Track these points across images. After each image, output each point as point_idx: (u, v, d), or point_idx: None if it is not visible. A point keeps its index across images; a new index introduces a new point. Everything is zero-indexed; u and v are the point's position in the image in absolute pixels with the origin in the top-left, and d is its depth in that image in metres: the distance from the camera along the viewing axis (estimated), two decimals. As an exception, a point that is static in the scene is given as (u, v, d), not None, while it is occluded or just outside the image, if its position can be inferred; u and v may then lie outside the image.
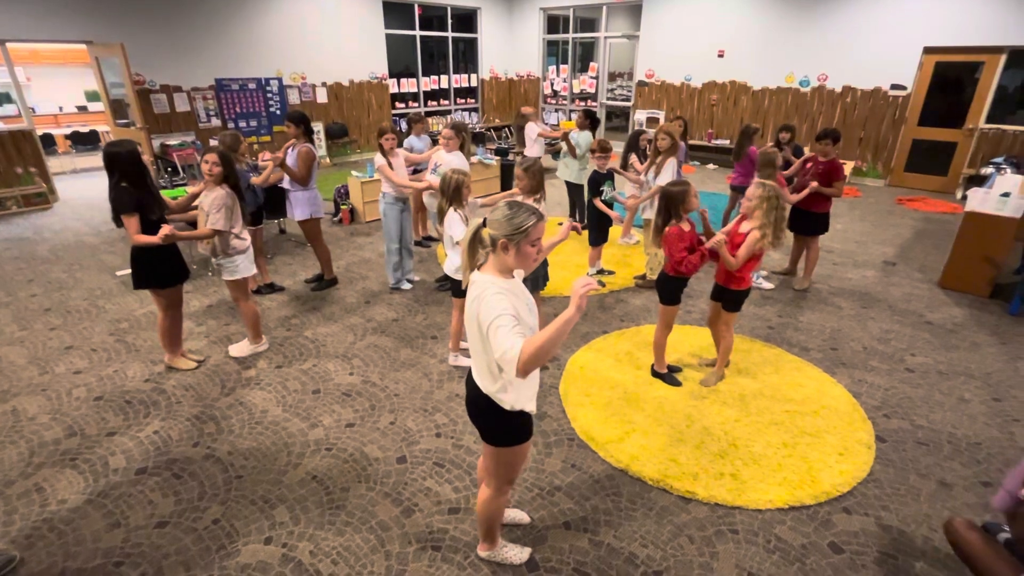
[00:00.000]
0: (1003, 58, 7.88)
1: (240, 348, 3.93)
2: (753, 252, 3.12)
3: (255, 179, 4.60)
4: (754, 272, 5.15)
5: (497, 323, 1.60)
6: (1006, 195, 4.79)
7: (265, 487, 2.74)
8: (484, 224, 1.76)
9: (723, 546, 2.41)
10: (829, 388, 3.57)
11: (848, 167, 9.08)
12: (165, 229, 3.13)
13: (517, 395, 1.84)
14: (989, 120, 8.23)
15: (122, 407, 3.36)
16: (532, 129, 6.80)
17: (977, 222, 4.85)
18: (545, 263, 3.73)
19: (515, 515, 2.53)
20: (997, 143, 8.14)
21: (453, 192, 3.40)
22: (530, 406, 1.88)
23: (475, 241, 1.78)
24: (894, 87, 8.72)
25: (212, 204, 3.38)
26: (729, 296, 3.36)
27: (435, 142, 5.90)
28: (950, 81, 8.46)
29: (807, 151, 5.68)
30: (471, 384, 1.94)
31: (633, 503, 2.65)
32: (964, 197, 7.87)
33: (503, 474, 2.03)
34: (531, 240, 1.71)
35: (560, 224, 3.04)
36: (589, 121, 6.20)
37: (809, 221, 4.90)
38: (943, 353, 4.03)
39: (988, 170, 7.40)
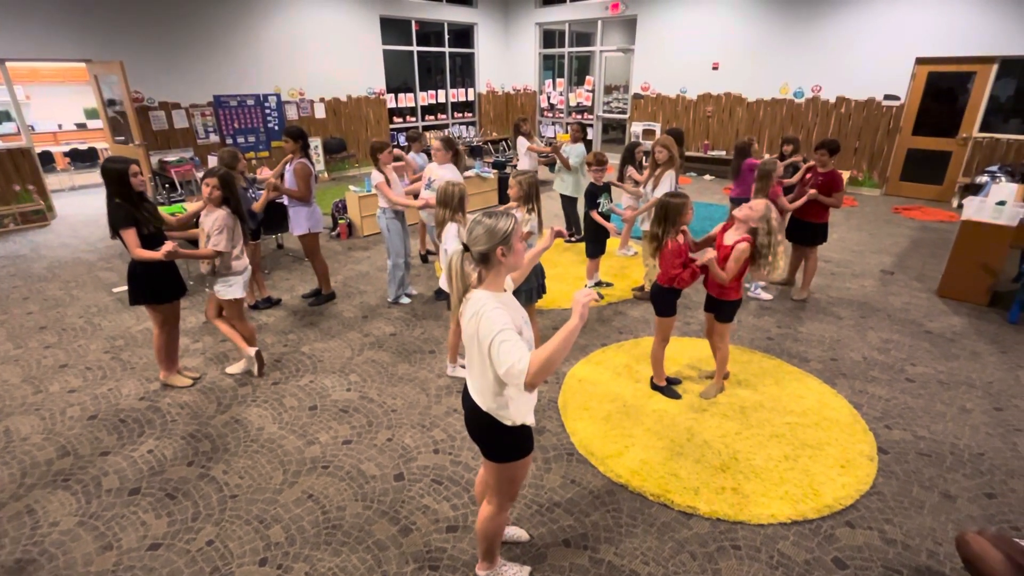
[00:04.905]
0: (994, 68, 7.95)
1: (236, 366, 3.91)
2: (741, 263, 3.11)
3: (255, 205, 4.55)
4: (752, 283, 5.15)
5: (500, 338, 1.61)
6: (1002, 203, 4.81)
7: (260, 507, 2.70)
8: (466, 249, 1.78)
9: (726, 563, 2.38)
10: (830, 399, 3.54)
11: (844, 177, 9.11)
12: (168, 246, 3.11)
13: (517, 409, 1.82)
14: (983, 129, 8.29)
15: (116, 426, 3.32)
16: (522, 143, 6.94)
17: (974, 230, 4.86)
18: (541, 274, 3.70)
19: (514, 533, 2.49)
20: (991, 152, 8.19)
21: (457, 203, 3.41)
22: (530, 419, 1.87)
23: (463, 268, 1.78)
24: (887, 97, 8.78)
25: (213, 225, 3.38)
26: (722, 307, 3.35)
27: (430, 157, 5.92)
28: (943, 91, 8.53)
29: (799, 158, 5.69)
30: (468, 401, 1.92)
31: (633, 519, 2.61)
32: (960, 206, 7.89)
33: (505, 490, 2.01)
34: (519, 236, 1.81)
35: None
36: (583, 134, 6.26)
37: (807, 231, 4.90)
38: (943, 363, 4.01)
39: (983, 179, 7.44)
